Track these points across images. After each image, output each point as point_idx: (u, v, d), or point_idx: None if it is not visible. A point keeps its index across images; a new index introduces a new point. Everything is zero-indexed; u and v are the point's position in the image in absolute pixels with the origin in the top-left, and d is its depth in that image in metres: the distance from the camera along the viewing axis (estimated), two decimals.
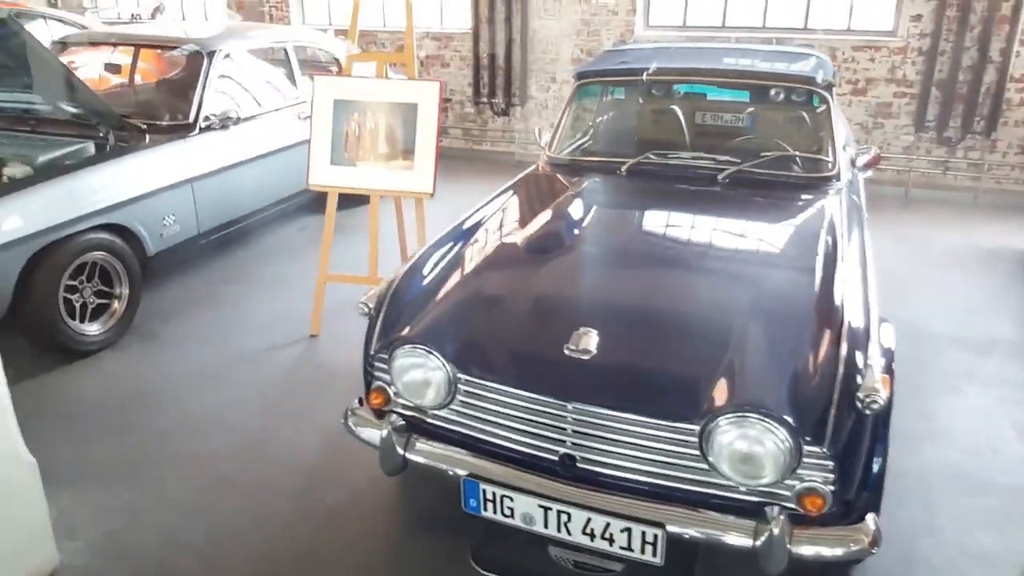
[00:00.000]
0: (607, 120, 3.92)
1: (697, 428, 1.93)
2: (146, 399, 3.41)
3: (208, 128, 4.51)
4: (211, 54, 4.69)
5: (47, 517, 2.40)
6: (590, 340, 2.13)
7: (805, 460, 1.88)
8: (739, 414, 1.88)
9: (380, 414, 2.41)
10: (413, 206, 4.21)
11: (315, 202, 5.52)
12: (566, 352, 2.13)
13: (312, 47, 5.93)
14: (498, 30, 7.28)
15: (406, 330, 2.33)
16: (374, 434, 2.36)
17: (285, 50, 5.43)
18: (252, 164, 4.82)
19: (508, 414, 2.16)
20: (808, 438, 1.87)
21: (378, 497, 2.79)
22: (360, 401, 2.51)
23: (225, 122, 4.59)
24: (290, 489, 2.82)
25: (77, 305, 3.71)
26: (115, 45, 5.24)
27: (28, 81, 4.15)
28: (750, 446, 1.88)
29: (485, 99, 7.61)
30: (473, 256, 2.70)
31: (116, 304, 3.92)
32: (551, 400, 2.08)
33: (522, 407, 2.13)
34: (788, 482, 1.92)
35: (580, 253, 2.68)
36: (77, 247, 3.64)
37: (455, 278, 2.56)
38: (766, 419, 1.86)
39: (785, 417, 1.86)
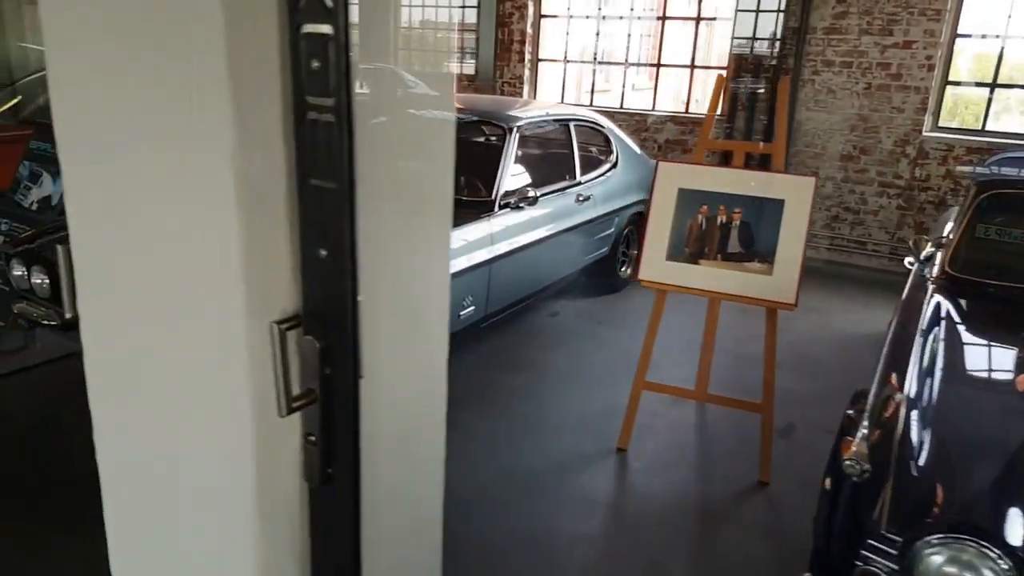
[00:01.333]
0: None
1: None
2: (470, 505, 3.02)
3: (506, 206, 4.28)
4: (510, 129, 4.51)
5: None
6: None
7: None
8: None
9: None
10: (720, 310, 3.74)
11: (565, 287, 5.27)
12: None
13: (585, 123, 5.66)
14: (756, 118, 6.87)
15: (936, 510, 1.79)
16: None
17: (568, 127, 5.21)
18: (538, 247, 4.54)
19: None
20: None
21: None
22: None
23: (521, 202, 4.36)
24: None
25: None
26: None
27: None
28: None
29: None
30: (978, 411, 2.14)
31: None
32: None
33: None
34: None
35: None
36: None
37: (973, 440, 2.00)
38: None
39: None
